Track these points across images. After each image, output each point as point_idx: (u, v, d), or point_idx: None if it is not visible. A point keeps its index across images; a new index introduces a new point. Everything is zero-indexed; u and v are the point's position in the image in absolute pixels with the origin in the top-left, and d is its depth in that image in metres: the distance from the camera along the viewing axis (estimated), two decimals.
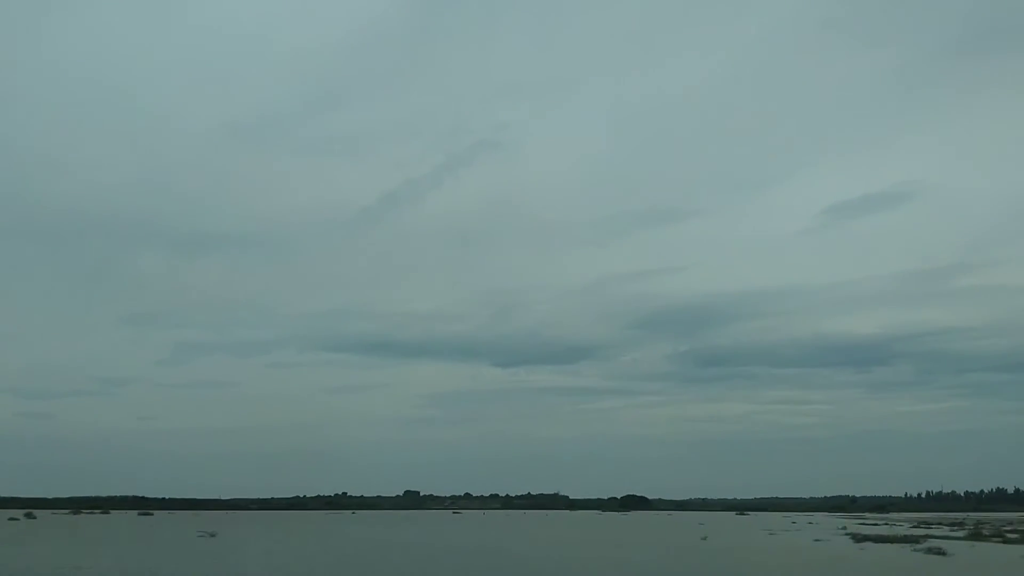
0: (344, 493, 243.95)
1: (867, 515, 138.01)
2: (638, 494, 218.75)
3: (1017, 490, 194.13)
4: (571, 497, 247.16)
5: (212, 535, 54.65)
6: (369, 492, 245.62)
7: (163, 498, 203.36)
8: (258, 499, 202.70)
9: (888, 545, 50.46)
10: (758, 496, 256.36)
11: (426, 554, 41.34)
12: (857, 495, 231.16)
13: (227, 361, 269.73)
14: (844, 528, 75.11)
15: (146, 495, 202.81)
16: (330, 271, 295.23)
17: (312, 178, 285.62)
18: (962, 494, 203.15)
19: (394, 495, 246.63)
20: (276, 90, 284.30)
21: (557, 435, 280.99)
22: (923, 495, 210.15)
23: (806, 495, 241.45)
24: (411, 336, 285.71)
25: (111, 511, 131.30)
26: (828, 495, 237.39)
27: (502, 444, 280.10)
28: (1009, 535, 61.60)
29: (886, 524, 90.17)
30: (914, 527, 79.87)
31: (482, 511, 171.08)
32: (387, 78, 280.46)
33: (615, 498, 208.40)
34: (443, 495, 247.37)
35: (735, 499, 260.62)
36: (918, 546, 48.28)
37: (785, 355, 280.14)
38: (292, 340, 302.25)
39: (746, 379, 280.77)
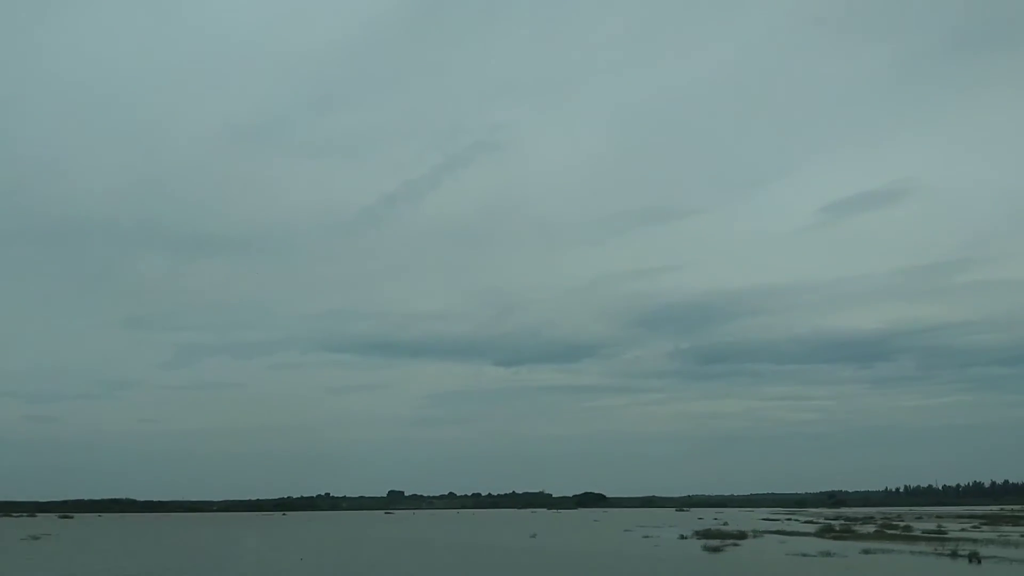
0: (327, 494, 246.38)
1: (808, 510, 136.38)
2: (634, 493, 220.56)
3: (993, 483, 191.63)
4: (554, 495, 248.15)
5: (35, 539, 55.38)
6: (358, 492, 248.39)
7: (150, 501, 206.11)
8: (228, 500, 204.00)
9: (700, 540, 49.98)
10: (753, 492, 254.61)
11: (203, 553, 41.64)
12: (851, 490, 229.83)
13: (229, 363, 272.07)
14: (725, 524, 74.27)
15: (147, 498, 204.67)
16: (331, 272, 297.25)
17: (312, 180, 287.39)
18: (940, 487, 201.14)
19: (378, 495, 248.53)
20: (275, 92, 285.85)
21: (557, 433, 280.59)
22: (900, 489, 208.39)
23: (802, 491, 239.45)
24: (412, 336, 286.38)
25: (38, 514, 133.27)
26: (823, 490, 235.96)
27: (501, 443, 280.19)
28: (860, 532, 60.76)
29: (788, 519, 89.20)
30: (808, 521, 78.98)
31: (412, 511, 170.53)
32: (385, 80, 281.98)
33: (575, 495, 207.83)
34: (427, 495, 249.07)
35: (731, 495, 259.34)
36: (718, 542, 47.90)
37: (787, 351, 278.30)
38: (293, 341, 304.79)
39: (748, 376, 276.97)
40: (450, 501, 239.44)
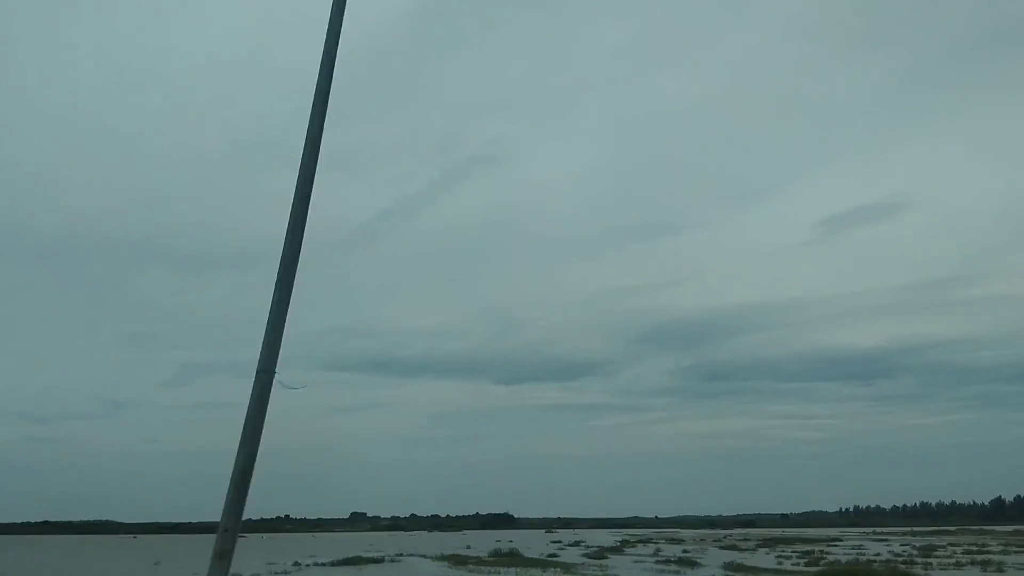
0: (287, 516, 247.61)
1: (680, 532, 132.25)
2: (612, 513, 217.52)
3: (940, 503, 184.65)
4: (516, 516, 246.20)
5: None
6: (322, 514, 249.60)
7: (132, 523, 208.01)
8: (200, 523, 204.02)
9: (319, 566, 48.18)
10: (740, 512, 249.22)
11: None
12: (831, 510, 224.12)
13: (230, 382, 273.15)
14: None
15: (143, 520, 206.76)
16: (329, 289, 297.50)
17: (312, 195, 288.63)
18: (888, 508, 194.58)
19: (341, 516, 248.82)
20: (275, 108, 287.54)
21: (554, 452, 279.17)
22: (851, 510, 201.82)
23: (786, 511, 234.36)
24: (412, 354, 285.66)
25: None
26: (816, 510, 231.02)
27: (489, 464, 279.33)
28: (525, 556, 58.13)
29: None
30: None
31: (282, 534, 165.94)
32: (382, 94, 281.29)
33: (480, 516, 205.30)
34: (386, 516, 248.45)
35: (719, 516, 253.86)
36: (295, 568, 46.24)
37: (788, 369, 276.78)
38: (294, 359, 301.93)
39: (750, 393, 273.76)
40: (408, 522, 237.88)
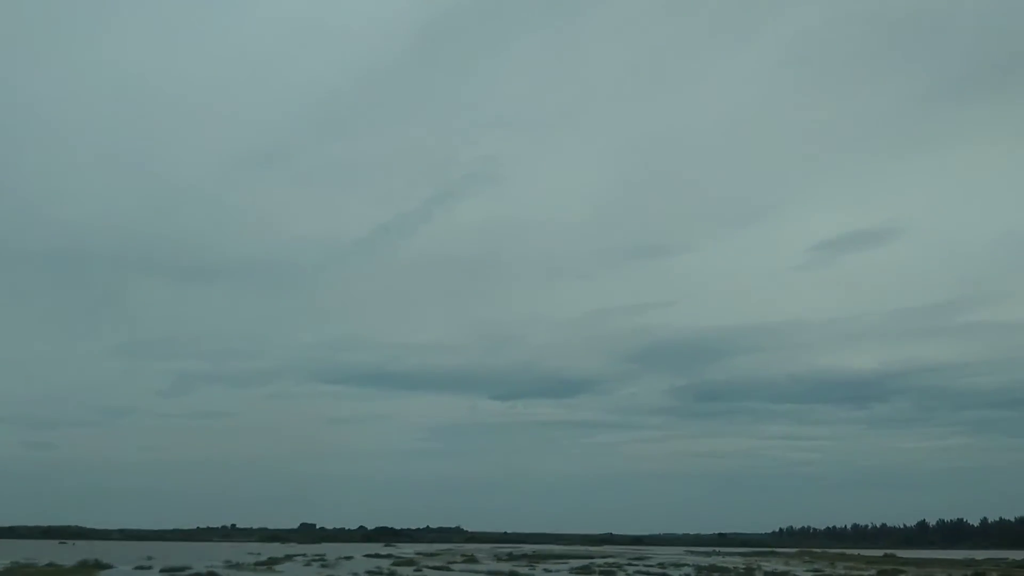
0: (233, 525, 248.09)
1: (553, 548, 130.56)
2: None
3: (872, 525, 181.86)
4: (469, 530, 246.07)
5: None
6: (268, 524, 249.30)
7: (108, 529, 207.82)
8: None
9: None
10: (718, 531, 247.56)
11: None
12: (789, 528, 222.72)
13: (225, 392, 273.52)
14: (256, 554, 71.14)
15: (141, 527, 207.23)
16: (326, 302, 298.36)
17: (309, 209, 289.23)
18: (823, 529, 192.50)
19: (290, 527, 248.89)
20: (275, 123, 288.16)
21: (543, 468, 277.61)
22: (783, 531, 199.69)
23: (762, 530, 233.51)
24: (407, 368, 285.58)
25: None
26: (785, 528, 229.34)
27: (481, 476, 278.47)
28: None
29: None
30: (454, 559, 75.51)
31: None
32: (382, 111, 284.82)
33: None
34: (338, 528, 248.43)
35: (697, 534, 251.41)
36: None
37: (783, 390, 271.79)
38: (289, 371, 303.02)
39: (745, 414, 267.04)
40: (351, 534, 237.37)
